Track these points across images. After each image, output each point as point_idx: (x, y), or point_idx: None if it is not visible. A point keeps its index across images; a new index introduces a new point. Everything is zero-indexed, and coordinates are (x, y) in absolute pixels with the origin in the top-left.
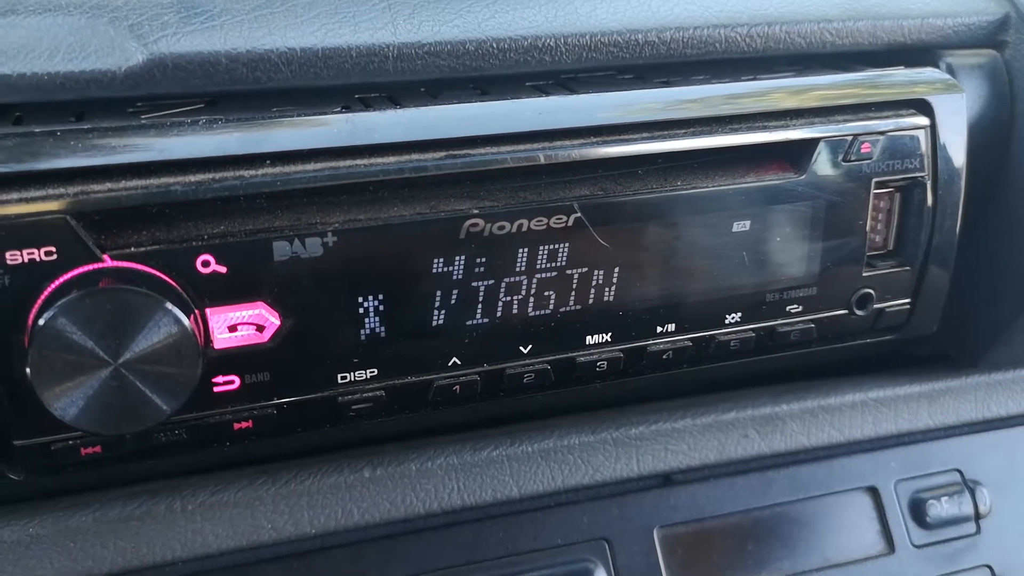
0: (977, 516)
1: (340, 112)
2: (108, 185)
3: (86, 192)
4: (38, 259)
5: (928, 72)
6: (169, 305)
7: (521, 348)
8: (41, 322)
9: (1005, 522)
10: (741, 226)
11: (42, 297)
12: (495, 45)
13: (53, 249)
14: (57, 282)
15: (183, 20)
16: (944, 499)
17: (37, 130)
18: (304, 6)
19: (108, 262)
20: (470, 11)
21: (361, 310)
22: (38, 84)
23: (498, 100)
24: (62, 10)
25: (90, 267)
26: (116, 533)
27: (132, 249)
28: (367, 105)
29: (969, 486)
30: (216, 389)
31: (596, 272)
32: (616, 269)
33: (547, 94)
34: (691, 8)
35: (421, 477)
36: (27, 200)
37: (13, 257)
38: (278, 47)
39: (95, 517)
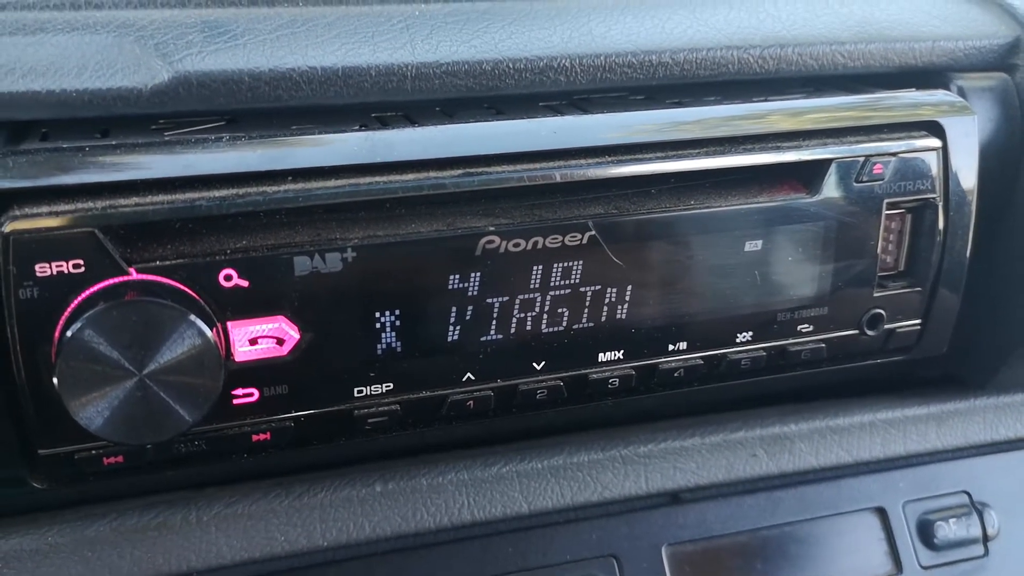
0: (985, 538)
1: (359, 130)
2: (135, 200)
3: (114, 207)
4: (66, 271)
5: (940, 94)
6: (193, 317)
7: (535, 364)
8: (68, 333)
9: (1013, 545)
10: (753, 245)
11: (69, 309)
12: (511, 65)
13: (81, 262)
14: (84, 294)
15: (207, 39)
16: (952, 521)
17: (66, 146)
18: (324, 26)
19: (134, 275)
20: (487, 32)
21: (378, 325)
22: (66, 101)
23: (514, 119)
24: (89, 29)
25: (117, 280)
26: (132, 543)
27: (157, 263)
28: (384, 124)
29: (977, 508)
30: (236, 401)
31: (609, 290)
32: (629, 287)
33: (561, 114)
34: (704, 30)
35: (432, 492)
36: (57, 214)
37: (42, 269)
38: (299, 66)
39: (112, 527)
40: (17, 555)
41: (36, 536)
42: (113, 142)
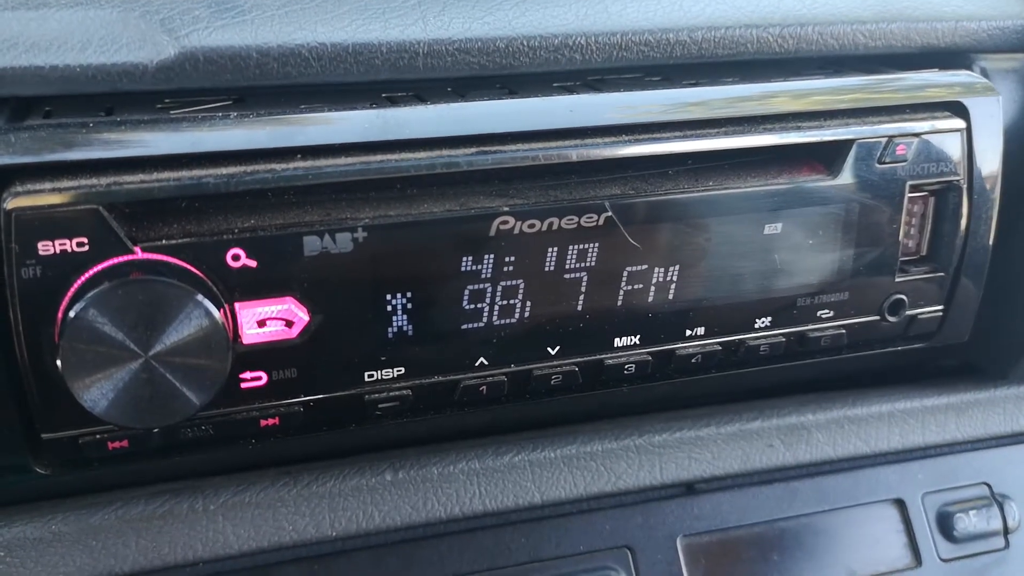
0: (1006, 531)
1: (370, 108)
2: (140, 177)
3: (118, 183)
4: (70, 250)
5: (963, 75)
6: (200, 297)
7: (549, 349)
8: (72, 313)
9: None
10: (772, 228)
11: (73, 288)
12: (525, 43)
13: (85, 240)
14: (88, 273)
15: (214, 15)
16: (972, 513)
17: (69, 122)
18: (334, 2)
19: (139, 254)
20: (500, 8)
21: (389, 307)
22: (70, 76)
23: (529, 98)
24: (94, 3)
25: (121, 259)
26: (138, 532)
27: (163, 241)
28: (394, 103)
29: (998, 500)
30: (244, 385)
31: (626, 273)
32: (646, 270)
33: (575, 94)
34: (723, 8)
35: (443, 481)
36: (60, 191)
37: (45, 248)
38: (309, 42)
39: (118, 515)
40: (21, 543)
41: (40, 524)
42: (118, 119)
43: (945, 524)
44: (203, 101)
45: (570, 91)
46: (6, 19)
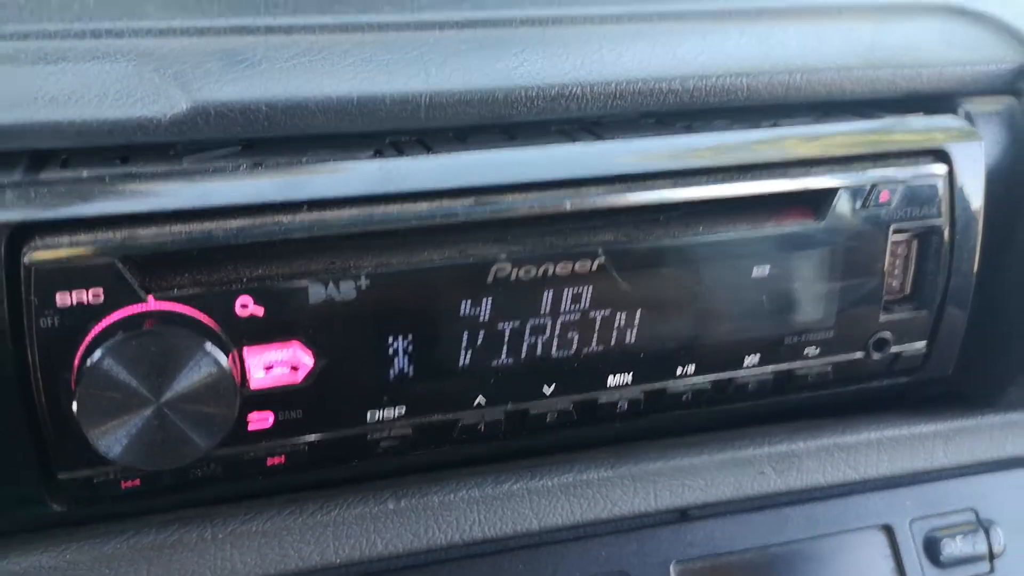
0: (991, 556)
1: (373, 157)
2: (154, 230)
3: (133, 237)
4: (86, 301)
5: (947, 120)
6: (209, 346)
7: (545, 388)
8: (88, 362)
9: (1019, 562)
10: (761, 271)
11: (89, 337)
12: (523, 93)
13: (100, 291)
14: (104, 323)
15: (225, 67)
16: (959, 538)
17: (85, 175)
18: (339, 54)
19: (152, 303)
20: (499, 60)
21: (391, 351)
22: (87, 130)
23: (526, 146)
24: (109, 58)
25: (135, 309)
26: (149, 560)
27: (175, 291)
28: (398, 149)
29: (984, 525)
30: (251, 426)
31: (618, 315)
32: (638, 312)
33: (573, 138)
34: (714, 57)
35: (443, 509)
36: (77, 244)
37: (63, 299)
38: (315, 95)
39: (129, 544)
40: (36, 572)
41: (55, 553)
42: (132, 170)
43: (932, 549)
44: (214, 146)
45: (568, 135)
46: (26, 73)
